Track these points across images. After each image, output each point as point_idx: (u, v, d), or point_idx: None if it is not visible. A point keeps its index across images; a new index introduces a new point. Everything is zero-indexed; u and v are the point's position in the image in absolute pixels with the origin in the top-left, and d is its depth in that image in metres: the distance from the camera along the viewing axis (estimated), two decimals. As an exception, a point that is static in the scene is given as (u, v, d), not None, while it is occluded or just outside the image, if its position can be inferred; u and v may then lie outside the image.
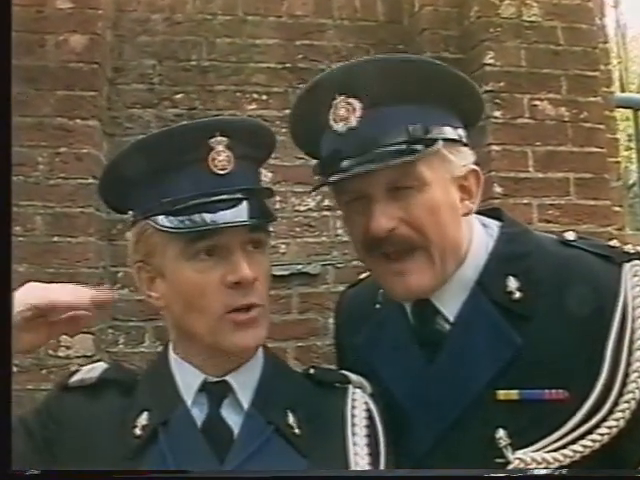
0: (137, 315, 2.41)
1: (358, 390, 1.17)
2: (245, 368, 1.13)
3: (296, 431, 1.08)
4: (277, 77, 2.65)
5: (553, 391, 1.06)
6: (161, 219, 1.08)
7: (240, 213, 1.07)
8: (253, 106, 2.62)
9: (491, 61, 2.48)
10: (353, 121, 1.08)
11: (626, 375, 1.04)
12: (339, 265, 2.58)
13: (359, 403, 1.15)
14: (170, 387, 1.12)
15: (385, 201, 1.09)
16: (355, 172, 1.07)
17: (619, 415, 1.04)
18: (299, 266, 2.55)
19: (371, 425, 1.13)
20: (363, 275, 1.40)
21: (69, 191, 2.27)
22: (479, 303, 1.13)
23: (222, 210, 1.06)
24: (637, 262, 1.11)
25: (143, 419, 1.08)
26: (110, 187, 1.18)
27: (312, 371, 1.20)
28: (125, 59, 2.57)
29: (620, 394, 1.04)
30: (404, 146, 1.07)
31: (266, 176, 2.49)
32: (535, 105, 2.48)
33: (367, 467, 1.08)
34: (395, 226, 1.08)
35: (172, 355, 1.16)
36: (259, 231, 1.11)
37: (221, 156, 1.08)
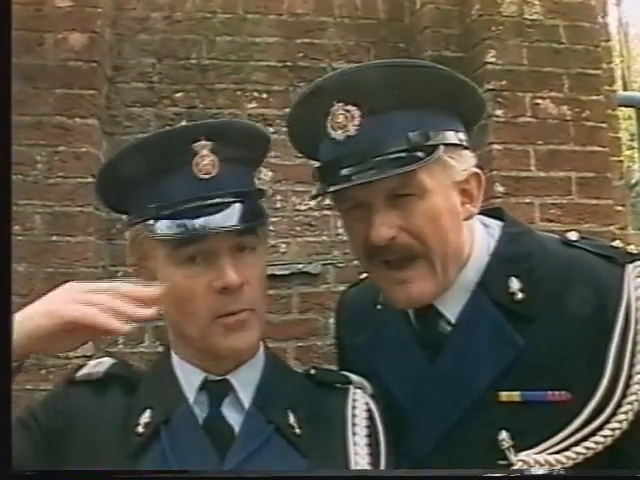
0: (137, 315, 2.39)
1: (359, 391, 1.17)
2: (246, 367, 1.14)
3: (296, 431, 1.09)
4: (277, 75, 2.64)
5: (556, 393, 1.05)
6: (150, 225, 1.08)
7: (227, 217, 1.07)
8: (253, 104, 2.61)
9: (493, 59, 2.47)
10: (352, 129, 1.06)
11: (629, 377, 1.04)
12: (340, 265, 2.57)
13: (360, 404, 1.15)
14: (172, 385, 1.12)
15: (385, 209, 1.08)
16: (355, 182, 1.05)
17: (622, 417, 1.03)
18: (299, 265, 2.54)
19: (372, 425, 1.13)
20: (364, 275, 1.39)
21: (68, 190, 2.26)
22: (481, 304, 1.13)
23: (207, 215, 1.06)
24: None
25: (146, 417, 1.08)
26: (105, 190, 1.19)
27: (313, 371, 1.21)
28: (124, 57, 2.56)
29: (623, 396, 1.04)
30: (404, 154, 1.06)
31: (266, 175, 2.49)
32: (537, 104, 2.48)
33: (367, 467, 1.08)
34: (395, 234, 1.07)
35: (173, 354, 1.16)
36: (248, 234, 1.10)
37: (205, 160, 1.08)
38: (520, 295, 1.10)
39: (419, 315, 1.19)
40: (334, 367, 1.37)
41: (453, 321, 1.14)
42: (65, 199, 2.26)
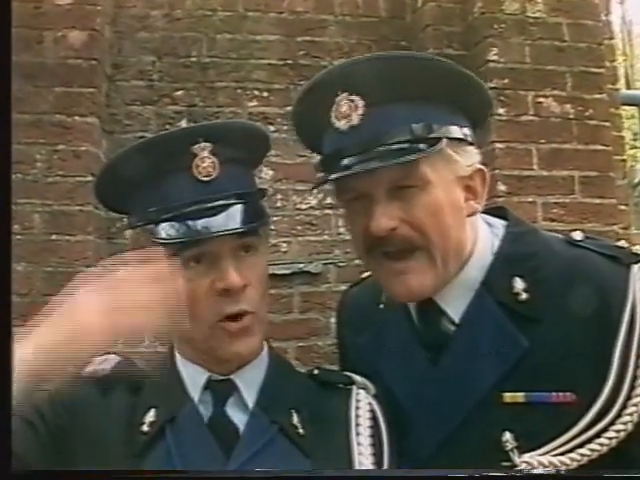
0: (136, 314, 2.39)
1: (362, 391, 1.17)
2: (250, 367, 1.13)
3: (300, 431, 1.09)
4: (278, 74, 2.63)
5: (560, 394, 1.04)
6: (152, 228, 1.08)
7: (228, 219, 1.06)
8: (254, 103, 2.60)
9: (495, 58, 2.46)
10: (355, 119, 1.06)
11: (634, 378, 1.03)
12: (341, 264, 2.56)
13: (363, 404, 1.15)
14: (177, 384, 1.12)
15: (386, 200, 1.07)
16: (356, 170, 1.05)
17: (627, 419, 1.02)
18: (300, 265, 2.53)
19: (375, 426, 1.12)
20: (366, 274, 1.38)
21: (67, 189, 2.25)
22: (485, 304, 1.12)
23: (208, 217, 1.06)
24: None
25: (151, 416, 1.08)
26: (105, 193, 1.19)
27: (316, 372, 1.21)
28: (124, 55, 2.56)
29: (628, 397, 1.03)
30: (407, 145, 1.05)
31: (267, 174, 2.48)
32: (539, 102, 2.47)
33: (371, 467, 1.08)
34: (396, 226, 1.07)
35: (177, 354, 1.16)
36: (250, 235, 1.10)
37: (205, 162, 1.08)
38: (524, 295, 1.09)
39: (421, 313, 1.18)
40: (335, 367, 1.36)
41: (457, 321, 1.13)
42: (64, 198, 2.25)
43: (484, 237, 1.16)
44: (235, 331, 1.07)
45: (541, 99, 2.47)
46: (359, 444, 1.10)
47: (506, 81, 2.45)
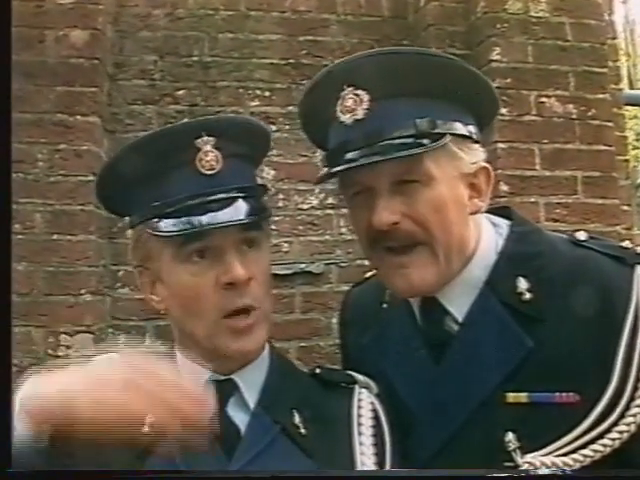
0: (138, 314, 2.39)
1: (364, 390, 1.17)
2: (251, 367, 1.13)
3: (302, 431, 1.08)
4: (280, 73, 2.63)
5: (563, 394, 1.04)
6: (154, 223, 1.08)
7: (231, 213, 1.06)
8: (256, 102, 2.60)
9: (497, 57, 2.45)
10: (360, 113, 1.07)
11: (638, 379, 1.03)
12: (343, 264, 2.56)
13: (365, 403, 1.14)
14: None
15: (389, 195, 1.07)
16: (360, 163, 1.06)
17: (630, 420, 1.02)
18: (302, 265, 2.53)
19: (377, 425, 1.12)
20: (369, 274, 1.38)
21: (69, 188, 2.25)
22: (488, 304, 1.12)
23: (213, 211, 1.05)
24: None
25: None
26: (106, 192, 1.18)
27: (318, 371, 1.20)
28: (126, 55, 2.55)
29: (632, 398, 1.03)
30: (410, 140, 1.05)
31: (269, 173, 2.48)
32: (542, 102, 2.46)
33: (373, 467, 1.08)
34: (398, 220, 1.07)
35: (178, 353, 1.15)
36: (253, 230, 1.10)
37: (209, 156, 1.07)
38: (528, 295, 1.09)
39: (425, 313, 1.18)
40: (337, 367, 1.35)
41: (460, 320, 1.13)
42: (66, 197, 2.25)
43: (488, 236, 1.16)
44: (240, 329, 1.07)
45: (544, 99, 2.46)
46: (361, 444, 1.09)
47: (509, 81, 2.44)
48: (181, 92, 2.56)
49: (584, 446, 1.02)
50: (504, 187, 2.38)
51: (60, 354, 2.16)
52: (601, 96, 2.52)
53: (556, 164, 2.44)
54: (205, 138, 1.07)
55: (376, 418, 1.13)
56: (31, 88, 2.26)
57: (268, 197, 1.22)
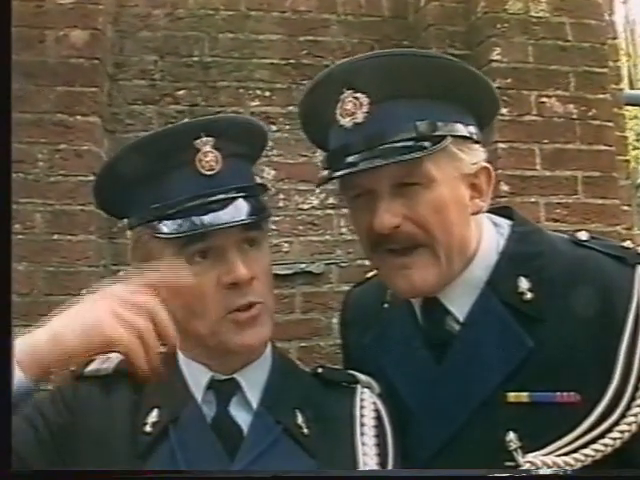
0: (138, 314, 2.38)
1: (366, 390, 1.16)
2: (253, 366, 1.13)
3: (304, 431, 1.08)
4: (280, 73, 2.63)
5: (564, 394, 1.04)
6: (155, 225, 1.07)
7: (232, 213, 1.06)
8: (256, 102, 2.59)
9: (498, 57, 2.45)
10: (360, 117, 1.06)
11: (639, 379, 1.03)
12: (343, 264, 2.56)
13: (367, 403, 1.14)
14: (180, 384, 1.11)
15: (390, 197, 1.07)
16: (360, 168, 1.05)
17: (631, 419, 1.02)
18: (302, 265, 2.53)
19: (379, 425, 1.12)
20: (370, 274, 1.38)
21: (69, 188, 2.25)
22: (489, 304, 1.12)
23: (213, 211, 1.05)
24: None
25: (153, 416, 1.07)
26: (104, 195, 1.18)
27: (320, 370, 1.20)
28: (126, 55, 2.55)
29: (633, 398, 1.02)
30: (411, 142, 1.05)
31: (269, 174, 2.48)
32: (543, 102, 2.46)
33: (376, 467, 1.08)
34: (399, 223, 1.07)
35: (180, 353, 1.15)
36: (254, 229, 1.10)
37: (208, 157, 1.07)
38: (529, 295, 1.09)
39: (426, 312, 1.18)
40: (339, 367, 1.35)
41: (461, 320, 1.13)
42: (66, 197, 2.24)
43: (489, 236, 1.16)
44: (244, 320, 1.07)
45: (544, 99, 2.46)
46: (364, 444, 1.09)
47: (509, 81, 2.44)
48: (181, 92, 2.56)
49: (585, 446, 1.02)
50: (504, 187, 2.38)
51: (60, 354, 2.15)
52: (601, 96, 2.51)
53: (556, 164, 2.44)
54: (204, 139, 1.07)
55: (378, 418, 1.13)
56: (31, 88, 2.25)
57: (268, 197, 1.22)
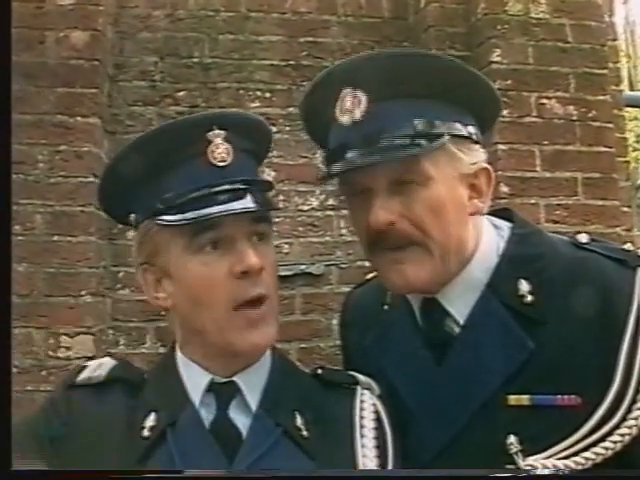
0: (138, 316, 2.39)
1: (366, 391, 1.16)
2: (253, 369, 1.12)
3: (304, 433, 1.08)
4: (280, 74, 2.63)
5: (565, 397, 1.04)
6: (165, 215, 1.07)
7: (243, 203, 1.06)
8: (256, 104, 2.59)
9: (498, 59, 2.45)
10: (358, 114, 1.07)
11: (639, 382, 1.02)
12: (343, 265, 2.56)
13: (367, 404, 1.14)
14: (178, 387, 1.11)
15: (386, 195, 1.08)
16: (357, 165, 1.06)
17: (632, 423, 1.02)
18: (302, 266, 2.53)
19: (379, 427, 1.12)
20: (370, 275, 1.38)
21: (69, 189, 2.24)
22: (490, 306, 1.12)
23: (225, 202, 1.05)
24: None
25: (151, 420, 1.07)
26: (110, 191, 1.17)
27: (320, 372, 1.20)
28: (126, 56, 2.55)
29: (633, 401, 1.02)
30: (408, 140, 1.06)
31: (269, 175, 2.47)
32: (543, 103, 2.46)
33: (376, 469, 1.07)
34: (395, 220, 1.07)
35: (179, 355, 1.14)
36: (262, 222, 1.11)
37: (220, 148, 1.08)
38: (529, 297, 1.09)
39: (425, 314, 1.18)
40: (339, 368, 1.35)
41: (461, 322, 1.13)
42: (66, 198, 2.24)
43: (489, 238, 1.16)
44: (254, 318, 1.07)
45: (544, 100, 2.46)
46: (363, 446, 1.09)
47: (509, 82, 2.44)
48: (181, 93, 2.56)
49: (586, 449, 1.02)
50: (504, 188, 2.38)
51: (60, 355, 2.15)
52: (601, 97, 2.51)
53: (556, 165, 2.44)
54: (216, 131, 1.08)
55: (378, 420, 1.12)
56: (31, 89, 2.25)
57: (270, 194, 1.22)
